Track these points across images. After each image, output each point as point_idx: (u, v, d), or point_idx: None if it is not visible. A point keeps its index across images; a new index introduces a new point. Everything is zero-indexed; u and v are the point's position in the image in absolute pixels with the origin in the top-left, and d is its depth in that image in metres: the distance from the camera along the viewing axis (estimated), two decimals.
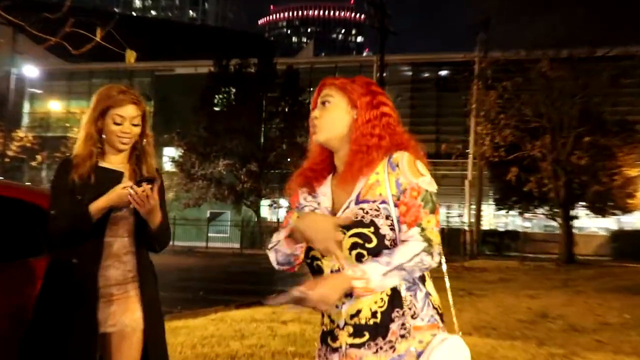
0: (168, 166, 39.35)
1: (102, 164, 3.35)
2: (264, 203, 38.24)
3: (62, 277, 3.22)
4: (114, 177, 3.32)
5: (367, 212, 2.39)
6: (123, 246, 3.33)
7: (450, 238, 29.96)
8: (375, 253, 2.36)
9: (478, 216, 33.31)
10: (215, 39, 58.60)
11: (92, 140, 3.33)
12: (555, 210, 28.54)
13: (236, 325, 8.62)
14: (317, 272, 2.48)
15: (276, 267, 2.65)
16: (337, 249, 2.33)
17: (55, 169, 3.34)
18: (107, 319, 3.29)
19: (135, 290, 3.34)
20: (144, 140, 3.43)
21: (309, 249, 2.49)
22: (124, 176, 3.36)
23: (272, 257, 2.63)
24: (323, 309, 2.33)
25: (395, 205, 2.40)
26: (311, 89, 41.34)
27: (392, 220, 2.38)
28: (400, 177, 2.40)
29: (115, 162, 3.39)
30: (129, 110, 3.33)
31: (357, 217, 2.39)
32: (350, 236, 2.38)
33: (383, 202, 2.40)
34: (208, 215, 41.34)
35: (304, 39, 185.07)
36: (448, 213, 38.99)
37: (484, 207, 35.64)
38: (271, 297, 2.37)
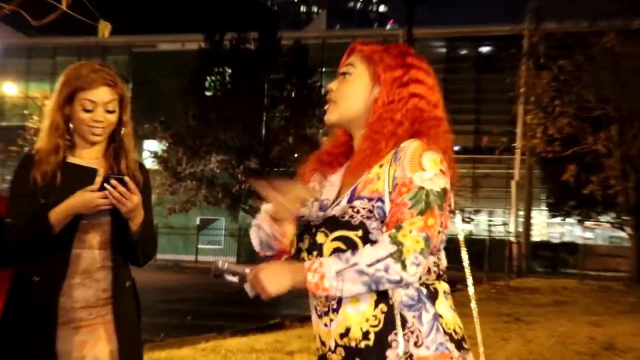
0: (149, 163, 39.44)
1: (71, 160, 3.32)
2: (266, 208, 38.30)
3: (21, 298, 3.20)
4: (85, 176, 3.27)
5: (358, 212, 2.36)
6: (96, 260, 3.28)
7: (493, 251, 29.87)
8: None
9: (527, 225, 33.23)
10: (206, 8, 58.63)
11: (58, 130, 3.29)
12: (624, 217, 28.42)
13: (232, 356, 8.63)
14: None
15: (258, 250, 2.64)
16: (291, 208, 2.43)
17: (13, 167, 3.32)
18: (73, 350, 3.23)
19: (110, 315, 3.29)
20: (122, 129, 3.38)
21: (297, 251, 2.50)
22: (98, 174, 3.31)
23: (253, 236, 2.63)
24: (265, 294, 2.34)
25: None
26: (323, 69, 41.37)
27: None
28: (398, 169, 2.36)
29: (87, 157, 3.35)
30: (102, 94, 3.27)
31: (344, 217, 2.37)
32: (333, 239, 2.37)
33: (379, 200, 2.36)
34: (198, 222, 41.42)
35: (315, 9, 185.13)
36: (490, 221, 38.92)
37: (534, 213, 35.55)
38: (218, 264, 2.49)
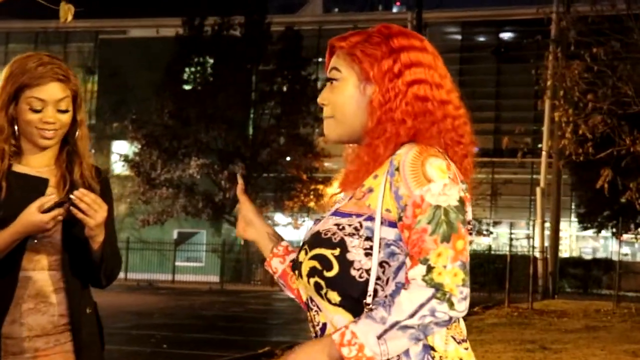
0: (119, 167, 39.46)
1: (18, 169, 3.28)
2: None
3: None
4: (35, 187, 3.23)
5: (342, 229, 2.36)
6: (48, 282, 3.25)
7: (515, 269, 29.89)
8: (337, 285, 2.33)
9: (555, 238, 33.22)
10: None
11: (2, 134, 3.25)
12: None
13: None
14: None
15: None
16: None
17: None
18: None
19: (69, 343, 3.28)
20: (77, 132, 3.34)
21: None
22: (49, 185, 3.28)
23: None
24: None
25: (392, 226, 2.34)
26: (319, 59, 41.38)
27: (372, 244, 2.33)
28: (401, 185, 2.32)
29: (36, 164, 3.31)
30: (52, 91, 3.22)
31: (327, 235, 2.38)
32: (310, 258, 2.38)
33: (370, 218, 2.36)
34: (175, 236, 41.45)
35: None
36: (512, 233, 38.90)
37: (563, 225, 35.57)
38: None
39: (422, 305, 2.24)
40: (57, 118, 3.23)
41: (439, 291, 2.24)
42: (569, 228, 40.17)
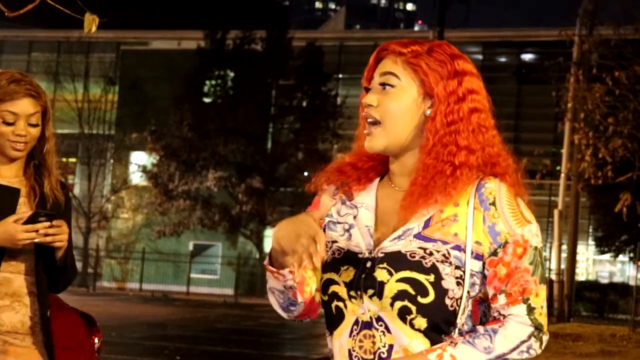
0: (137, 178, 39.56)
1: None
2: (269, 233, 38.31)
3: None
4: (7, 196, 3.46)
5: (430, 254, 2.32)
6: (24, 285, 3.49)
7: None
8: (429, 313, 2.30)
9: (572, 261, 33.07)
10: (208, 1, 58.86)
11: None
12: None
13: None
14: (337, 318, 2.41)
15: (284, 315, 2.56)
16: (311, 245, 2.22)
17: None
18: None
19: (40, 344, 3.51)
20: (45, 146, 3.56)
21: (326, 284, 2.42)
22: (20, 195, 3.50)
23: (272, 301, 2.54)
24: None
25: (477, 258, 2.33)
26: (340, 75, 41.45)
27: (462, 273, 2.32)
28: (499, 222, 2.33)
29: (7, 175, 3.53)
30: (24, 106, 3.45)
31: (414, 257, 2.32)
32: (399, 280, 2.32)
33: (457, 247, 2.33)
34: (191, 248, 41.46)
35: (332, 5, 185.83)
36: None
37: (580, 248, 35.42)
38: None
39: (523, 342, 2.31)
40: (28, 131, 3.46)
41: (538, 330, 2.32)
42: (586, 251, 39.99)
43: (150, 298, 31.38)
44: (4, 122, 3.44)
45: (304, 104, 37.60)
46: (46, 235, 3.31)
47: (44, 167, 3.55)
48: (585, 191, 31.43)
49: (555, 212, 33.45)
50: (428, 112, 2.39)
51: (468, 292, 2.32)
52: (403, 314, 2.31)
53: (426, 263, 2.31)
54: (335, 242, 2.46)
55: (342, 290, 2.39)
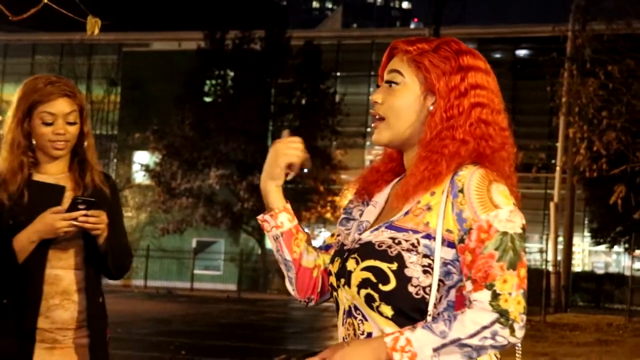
0: (140, 177, 39.56)
1: (37, 177, 3.60)
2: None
3: None
4: (53, 193, 3.56)
5: (398, 243, 2.33)
6: (74, 281, 3.57)
7: (528, 282, 29.77)
8: (392, 300, 2.31)
9: (568, 253, 33.10)
10: (207, 3, 58.86)
11: (20, 147, 3.56)
12: None
13: None
14: (336, 308, 2.49)
15: (291, 291, 2.67)
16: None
17: None
18: None
19: (86, 338, 3.58)
20: (85, 142, 3.67)
21: (328, 276, 2.50)
22: (66, 190, 3.59)
23: (287, 282, 2.68)
24: None
25: (450, 246, 2.32)
26: (338, 73, 41.42)
27: (432, 262, 2.31)
28: (466, 208, 2.31)
29: (53, 172, 3.63)
30: (61, 106, 3.54)
31: (381, 247, 2.34)
32: (363, 269, 2.35)
33: (428, 236, 2.33)
34: (194, 245, 41.47)
35: (329, 5, 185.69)
36: (525, 247, 39.07)
37: (576, 240, 35.43)
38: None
39: (484, 328, 2.24)
40: (66, 130, 3.56)
41: (504, 317, 2.25)
42: (582, 243, 39.98)
43: (155, 294, 31.40)
44: (43, 123, 3.53)
45: (303, 101, 37.58)
46: (85, 222, 3.39)
47: (86, 162, 3.65)
48: (581, 184, 31.46)
49: (551, 205, 33.46)
50: (431, 108, 2.42)
51: (442, 280, 2.32)
52: (369, 301, 2.35)
53: (392, 252, 2.33)
54: (339, 235, 2.55)
55: (333, 281, 2.47)
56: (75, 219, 3.38)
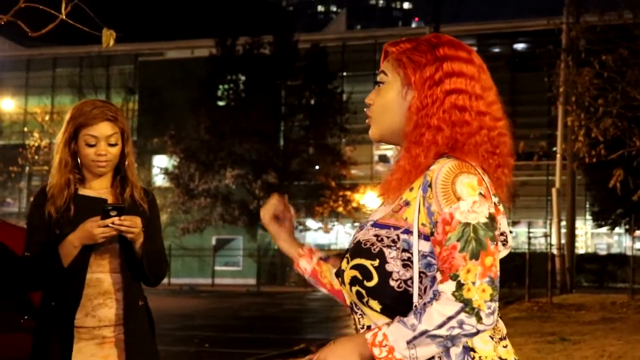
0: (160, 180, 39.61)
1: (82, 192, 3.82)
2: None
3: (44, 321, 3.75)
4: (96, 206, 3.72)
5: (380, 240, 2.34)
6: (114, 282, 3.79)
7: (534, 266, 29.75)
8: (377, 295, 2.32)
9: (571, 236, 33.03)
10: (217, 11, 58.90)
11: (67, 166, 3.79)
12: None
13: None
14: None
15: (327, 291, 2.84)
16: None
17: (30, 203, 3.85)
18: None
19: (122, 334, 3.78)
20: (126, 161, 3.88)
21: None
22: (107, 202, 3.78)
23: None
24: None
25: (426, 239, 2.31)
26: (344, 73, 41.38)
27: (411, 255, 2.31)
28: (433, 202, 2.29)
29: (97, 188, 3.86)
30: (103, 129, 3.75)
31: (366, 245, 2.35)
32: (352, 267, 2.37)
33: (407, 231, 2.33)
34: (214, 242, 41.52)
35: (334, 8, 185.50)
36: (530, 232, 38.80)
37: (578, 223, 35.33)
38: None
39: (450, 318, 2.21)
40: (107, 151, 3.77)
41: (468, 306, 2.21)
42: (584, 226, 39.87)
43: (179, 291, 31.47)
44: (87, 144, 3.73)
45: (312, 102, 37.56)
46: (120, 225, 3.57)
47: (127, 179, 3.88)
48: (581, 169, 31.34)
49: (553, 191, 33.38)
50: (409, 101, 2.43)
51: (424, 272, 2.32)
52: (359, 297, 2.37)
53: (374, 249, 2.34)
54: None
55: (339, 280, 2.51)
56: (110, 223, 3.56)
